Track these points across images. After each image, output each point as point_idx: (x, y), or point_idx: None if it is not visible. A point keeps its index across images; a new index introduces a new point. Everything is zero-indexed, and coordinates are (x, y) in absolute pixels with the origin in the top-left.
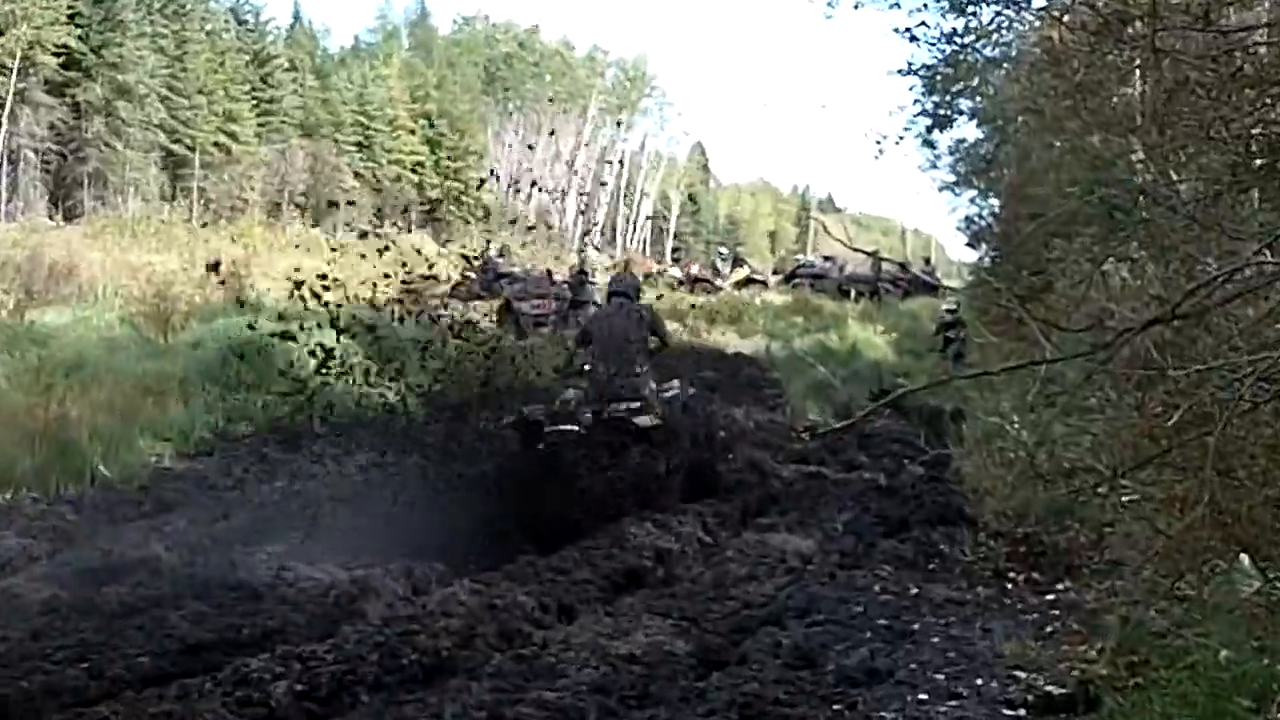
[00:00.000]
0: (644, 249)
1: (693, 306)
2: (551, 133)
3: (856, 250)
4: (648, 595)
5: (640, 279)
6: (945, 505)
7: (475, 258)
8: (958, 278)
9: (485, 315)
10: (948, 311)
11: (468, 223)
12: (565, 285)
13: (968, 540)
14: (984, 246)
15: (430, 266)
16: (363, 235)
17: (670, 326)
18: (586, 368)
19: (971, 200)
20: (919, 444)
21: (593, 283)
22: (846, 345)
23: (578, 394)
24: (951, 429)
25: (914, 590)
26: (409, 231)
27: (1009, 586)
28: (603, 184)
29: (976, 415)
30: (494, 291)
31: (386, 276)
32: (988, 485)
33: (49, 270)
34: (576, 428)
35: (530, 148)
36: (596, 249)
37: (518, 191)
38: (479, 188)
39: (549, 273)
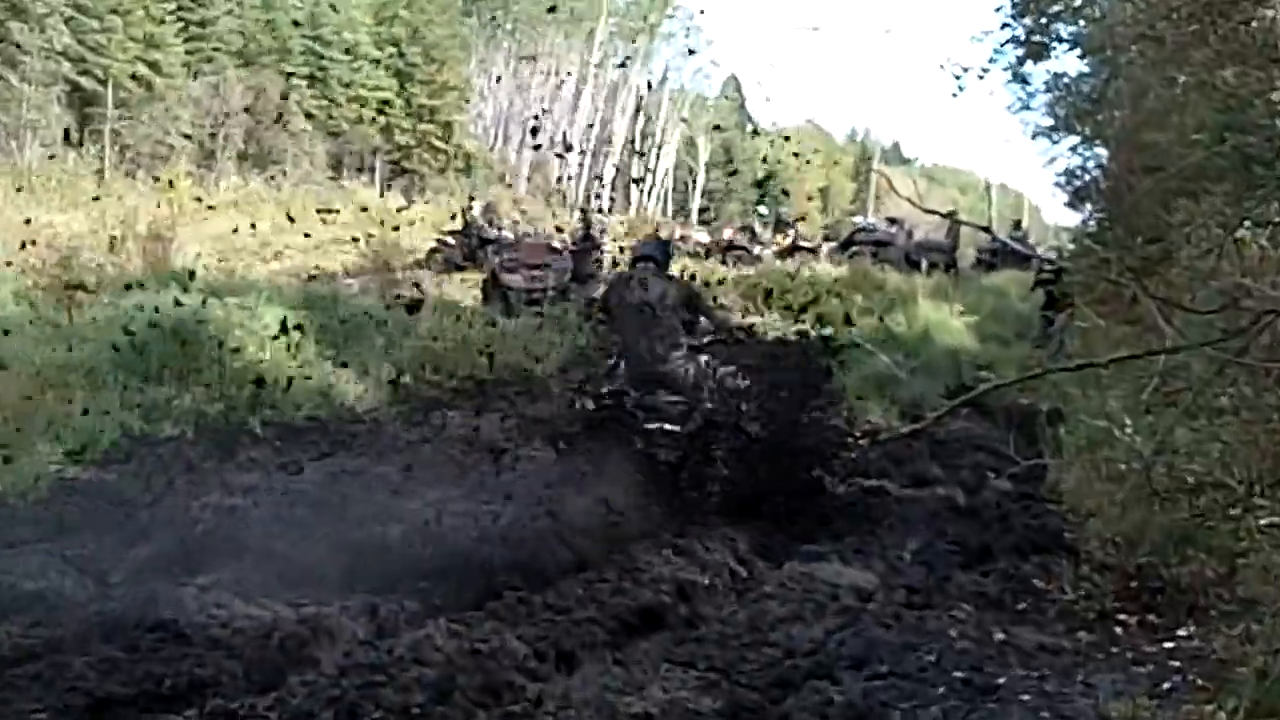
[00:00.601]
0: (664, 209)
1: (720, 281)
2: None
3: (928, 212)
4: (667, 640)
5: (672, 244)
6: (1039, 529)
7: (458, 220)
8: (1054, 244)
9: (471, 288)
10: (1046, 272)
11: (446, 175)
12: (567, 254)
13: (1067, 573)
14: (1088, 207)
15: (397, 230)
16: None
17: None
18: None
19: (1073, 149)
20: (1006, 453)
21: (601, 250)
22: (916, 330)
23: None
24: (1047, 434)
25: (999, 635)
26: (374, 186)
27: (1117, 631)
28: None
29: (1079, 417)
30: (478, 261)
31: (352, 241)
32: (1092, 505)
33: None
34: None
35: (531, 59)
36: (603, 210)
37: (508, 137)
38: (453, 138)
39: (546, 238)
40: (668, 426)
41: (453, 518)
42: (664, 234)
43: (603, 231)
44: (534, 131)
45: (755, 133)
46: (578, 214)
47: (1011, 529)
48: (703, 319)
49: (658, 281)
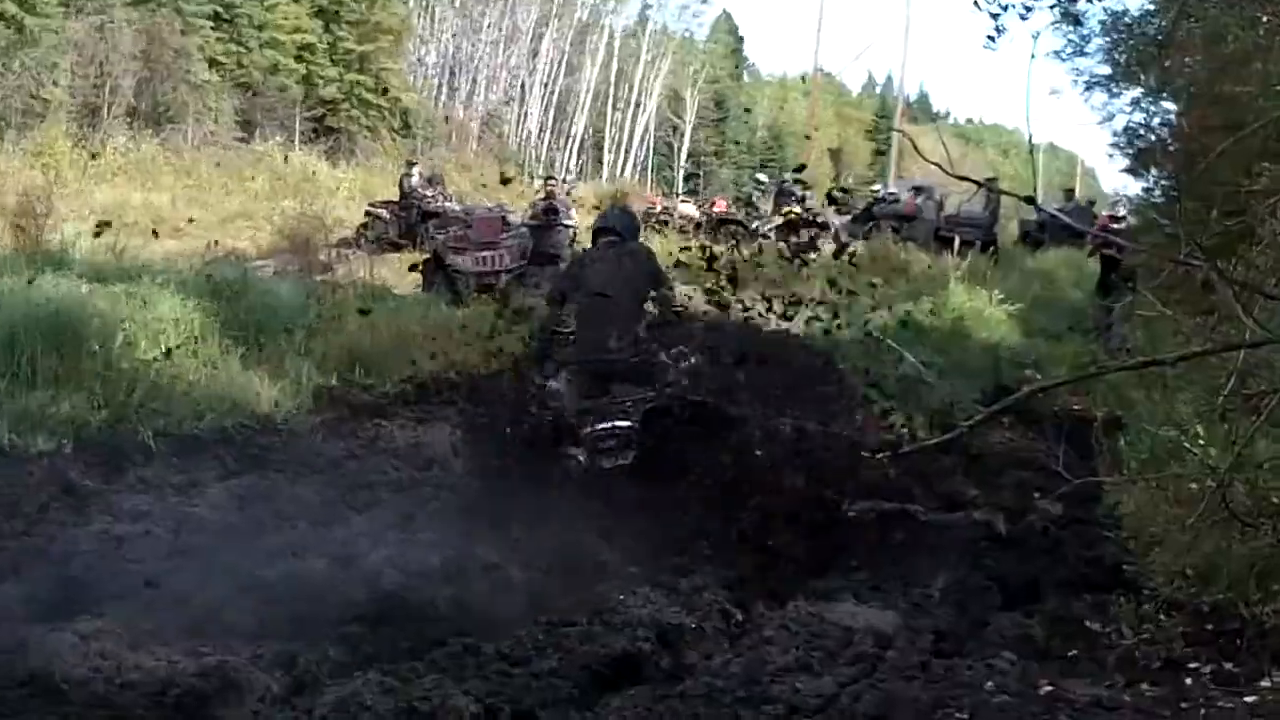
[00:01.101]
0: (645, 177)
1: (710, 262)
2: None
3: (961, 179)
4: (646, 696)
5: (639, 215)
6: (1093, 561)
7: (394, 190)
8: (1110, 214)
9: (411, 270)
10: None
11: (380, 135)
12: (525, 230)
13: (1126, 613)
14: (1153, 173)
15: (320, 201)
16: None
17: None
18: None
19: (1134, 103)
20: (1055, 469)
21: (565, 225)
22: (947, 321)
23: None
24: (1104, 446)
25: (1046, 688)
26: (292, 148)
27: (1188, 682)
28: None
29: (1141, 425)
30: (418, 238)
31: (267, 215)
32: (1157, 531)
33: None
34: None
35: None
36: (569, 178)
37: (455, 89)
38: (389, 90)
39: (501, 211)
40: (620, 424)
41: (387, 549)
42: (638, 204)
43: (568, 207)
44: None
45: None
46: (539, 182)
47: (1061, 560)
48: (669, 298)
49: (621, 258)
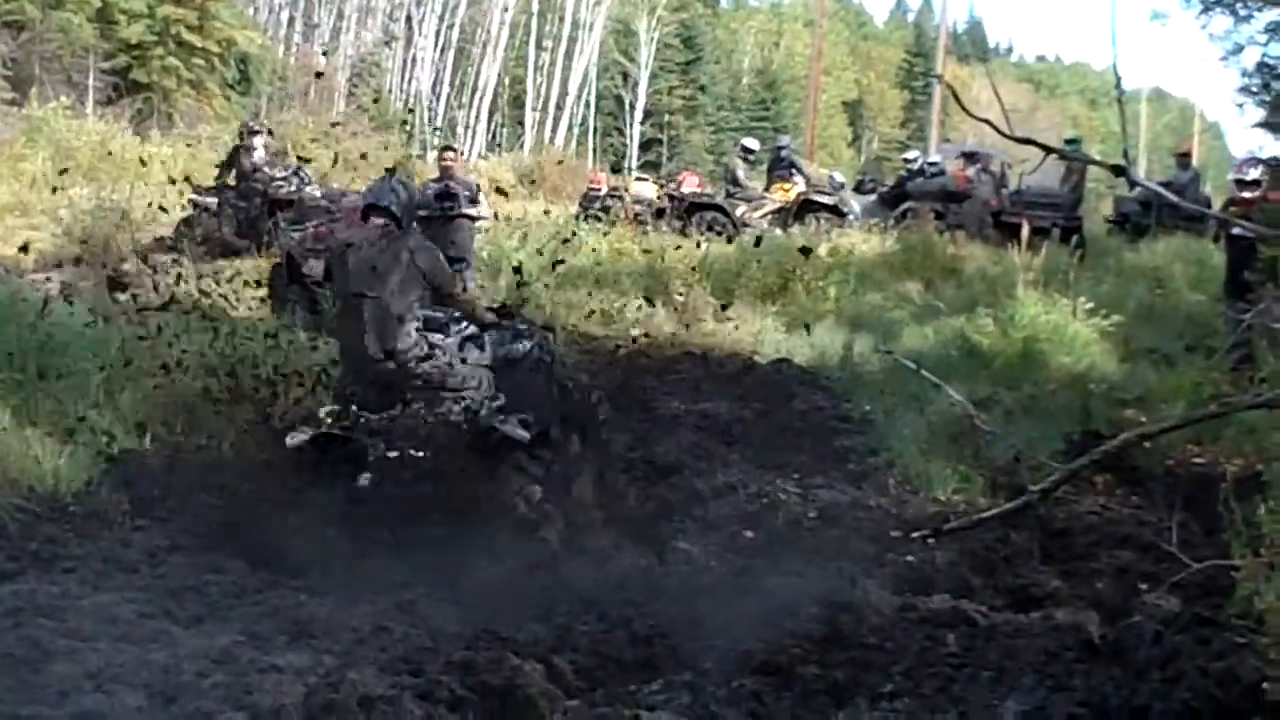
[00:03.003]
0: (584, 145)
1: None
2: None
3: (1029, 143)
4: None
5: (474, 185)
6: (1224, 678)
7: (228, 170)
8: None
9: (247, 284)
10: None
11: (208, 93)
12: (411, 223)
13: None
14: None
15: (123, 187)
16: None
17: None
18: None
19: (1272, 30)
20: (1168, 548)
21: (470, 216)
22: (1015, 341)
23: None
24: (1237, 516)
25: None
26: (84, 113)
27: None
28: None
29: None
30: (263, 236)
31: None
32: None
33: None
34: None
35: None
36: (485, 153)
37: (314, 28)
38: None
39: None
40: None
41: (224, 675)
42: (577, 183)
43: (474, 185)
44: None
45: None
46: (431, 156)
47: (1179, 677)
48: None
49: (393, 249)
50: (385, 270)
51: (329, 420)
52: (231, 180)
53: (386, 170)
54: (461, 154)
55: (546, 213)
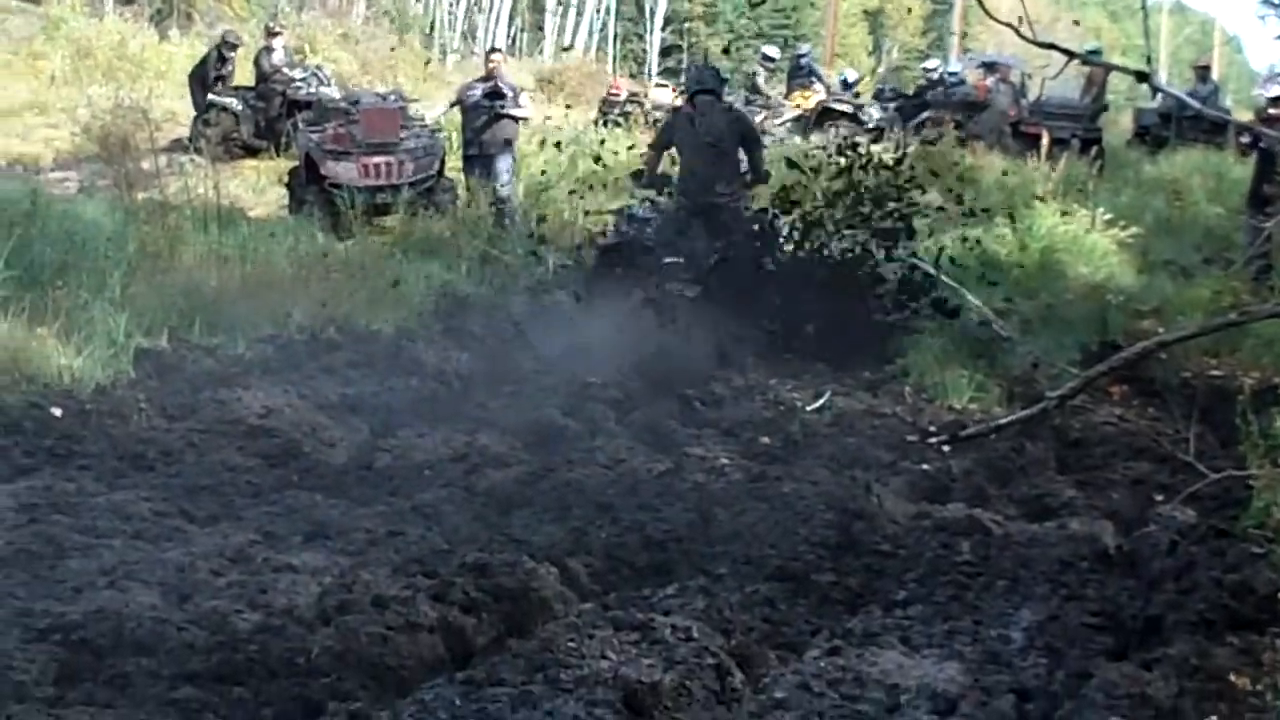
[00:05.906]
0: (605, 51)
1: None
2: None
3: (1050, 48)
4: None
5: (516, 85)
6: (1238, 588)
7: (246, 71)
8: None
9: (271, 185)
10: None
11: None
12: (434, 128)
13: None
14: None
15: (142, 89)
16: None
17: None
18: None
19: None
20: (1185, 459)
21: (514, 117)
22: (1033, 252)
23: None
24: (1254, 427)
25: None
26: (101, 12)
27: None
28: None
29: None
30: (282, 138)
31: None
32: None
33: None
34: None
35: None
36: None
37: None
38: None
39: (399, 100)
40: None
41: (239, 574)
42: (596, 89)
43: (517, 87)
44: None
45: None
46: (453, 59)
47: (1194, 588)
48: (759, 162)
49: (725, 114)
50: (726, 130)
51: None
52: (249, 81)
53: (702, 61)
54: (503, 55)
55: (566, 117)
